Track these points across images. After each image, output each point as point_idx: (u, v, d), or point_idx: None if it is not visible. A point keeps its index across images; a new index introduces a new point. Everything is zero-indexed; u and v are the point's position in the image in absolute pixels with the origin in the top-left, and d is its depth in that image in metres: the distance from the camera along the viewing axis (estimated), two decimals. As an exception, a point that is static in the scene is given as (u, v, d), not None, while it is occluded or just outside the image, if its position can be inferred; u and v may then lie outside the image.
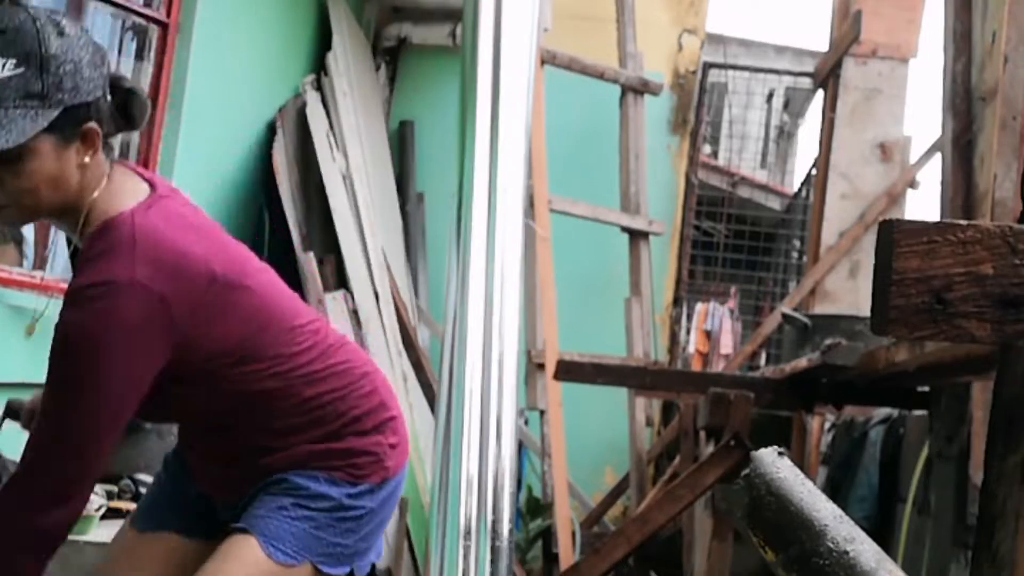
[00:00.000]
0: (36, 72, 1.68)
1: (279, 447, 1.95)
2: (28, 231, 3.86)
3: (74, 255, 1.93)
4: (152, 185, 1.87)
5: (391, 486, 2.02)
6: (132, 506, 2.93)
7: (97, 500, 2.79)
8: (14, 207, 1.75)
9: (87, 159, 1.77)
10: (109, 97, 1.80)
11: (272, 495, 1.94)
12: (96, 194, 1.79)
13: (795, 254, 8.74)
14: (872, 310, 1.17)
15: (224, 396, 1.89)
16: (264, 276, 1.96)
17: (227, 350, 1.85)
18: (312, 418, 1.95)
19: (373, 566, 2.11)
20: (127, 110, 1.83)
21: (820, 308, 6.20)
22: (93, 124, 1.76)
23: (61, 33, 1.72)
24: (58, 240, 3.73)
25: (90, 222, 1.79)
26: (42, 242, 3.93)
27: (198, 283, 1.78)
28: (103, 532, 2.74)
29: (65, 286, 3.48)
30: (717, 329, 7.96)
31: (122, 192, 1.81)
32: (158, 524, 2.12)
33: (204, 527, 2.10)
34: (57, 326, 1.73)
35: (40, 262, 3.87)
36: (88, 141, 1.76)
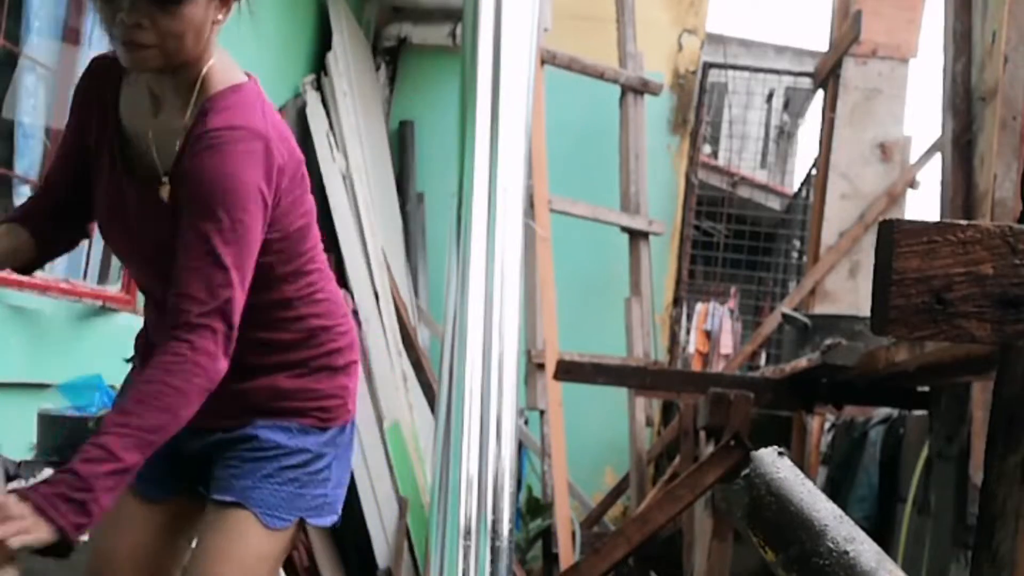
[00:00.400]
0: None
1: (258, 366, 2.00)
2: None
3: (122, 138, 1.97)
4: (248, 75, 1.99)
5: (350, 430, 2.13)
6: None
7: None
8: (159, 49, 1.81)
9: (221, 17, 1.90)
10: None
11: (253, 461, 1.99)
12: (213, 60, 1.90)
13: (795, 254, 8.74)
14: (872, 310, 1.17)
15: (253, 293, 1.91)
16: None
17: (282, 235, 1.94)
18: (296, 338, 2.03)
19: (339, 518, 2.14)
20: None
21: (820, 308, 6.20)
22: None
23: None
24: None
25: (207, 85, 1.89)
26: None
27: (295, 162, 1.93)
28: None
29: (65, 286, 3.49)
30: (717, 329, 7.96)
31: (234, 67, 1.95)
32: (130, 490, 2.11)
33: (171, 483, 2.12)
34: (193, 170, 1.81)
35: (40, 262, 3.86)
36: (226, 2, 1.90)
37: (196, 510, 2.08)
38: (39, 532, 1.65)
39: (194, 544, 2.05)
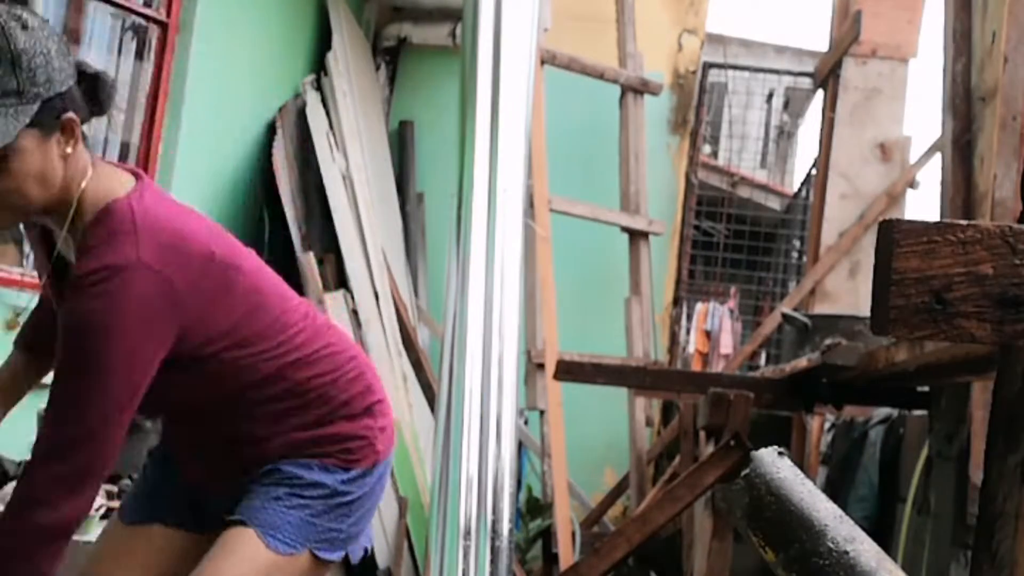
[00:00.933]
0: (8, 69, 1.65)
1: (269, 435, 1.95)
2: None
3: (59, 260, 1.90)
4: (135, 174, 1.87)
5: (381, 469, 2.04)
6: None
7: (97, 500, 2.79)
8: (5, 209, 1.74)
9: (69, 149, 1.75)
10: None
11: (266, 486, 1.94)
12: (84, 184, 1.78)
13: (795, 254, 8.74)
14: (872, 310, 1.17)
15: (217, 381, 1.88)
16: (253, 260, 1.96)
17: (224, 332, 1.84)
18: (303, 402, 1.95)
19: (368, 552, 2.11)
20: (95, 95, 1.81)
21: (820, 308, 6.20)
22: (71, 114, 1.74)
23: (25, 27, 1.69)
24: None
25: (82, 213, 1.78)
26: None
27: (199, 262, 1.78)
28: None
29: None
30: (717, 329, 7.96)
31: (110, 181, 1.81)
32: (146, 516, 2.12)
33: (193, 517, 2.10)
34: (66, 314, 1.73)
35: (40, 262, 3.86)
36: (68, 131, 1.75)
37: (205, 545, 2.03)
38: None
39: None
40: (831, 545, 1.09)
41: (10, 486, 2.78)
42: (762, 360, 8.08)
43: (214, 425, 1.98)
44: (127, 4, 4.20)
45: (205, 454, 2.06)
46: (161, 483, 2.14)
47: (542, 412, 5.59)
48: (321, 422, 1.97)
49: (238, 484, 1.98)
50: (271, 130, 5.45)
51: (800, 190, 8.86)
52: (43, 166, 1.72)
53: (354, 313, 5.29)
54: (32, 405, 2.83)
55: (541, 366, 5.54)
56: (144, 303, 1.70)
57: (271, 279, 1.97)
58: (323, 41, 5.91)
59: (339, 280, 5.35)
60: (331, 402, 1.98)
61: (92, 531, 2.75)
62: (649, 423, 6.37)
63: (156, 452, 2.20)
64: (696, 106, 7.12)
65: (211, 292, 1.81)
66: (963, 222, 1.14)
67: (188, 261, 1.76)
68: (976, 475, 3.29)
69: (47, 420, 1.73)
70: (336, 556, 2.00)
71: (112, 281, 1.68)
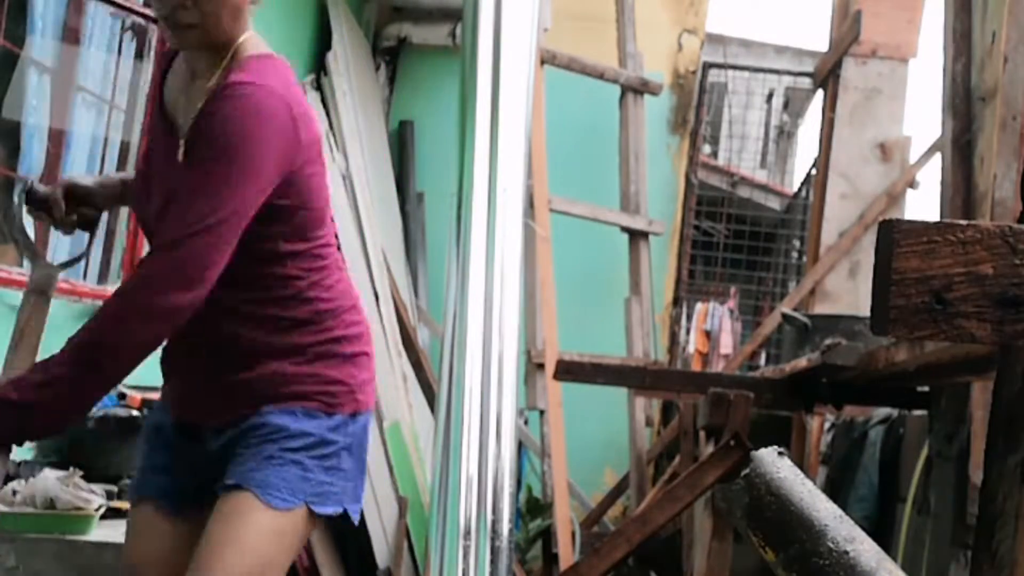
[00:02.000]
0: None
1: (266, 347, 2.03)
2: (29, 232, 3.84)
3: (165, 120, 2.08)
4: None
5: (363, 419, 2.12)
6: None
7: (97, 500, 2.79)
8: (200, 27, 1.95)
9: (252, 4, 2.03)
10: None
11: (255, 447, 2.00)
12: (245, 38, 2.02)
13: (795, 254, 8.74)
14: (872, 310, 1.17)
15: (254, 259, 1.98)
16: None
17: (301, 207, 2.00)
18: (305, 318, 2.05)
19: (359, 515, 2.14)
20: None
21: (820, 308, 6.20)
22: None
23: None
24: (58, 241, 3.73)
25: (238, 57, 1.99)
26: (41, 242, 3.93)
27: (314, 134, 2.01)
28: (103, 532, 2.74)
29: (66, 286, 3.48)
30: (717, 329, 7.96)
31: (261, 43, 2.06)
32: (155, 490, 2.14)
33: (196, 494, 2.12)
34: (207, 116, 1.91)
35: (40, 262, 3.85)
36: None
37: None
38: None
39: None
40: (831, 545, 1.09)
41: (10, 485, 2.78)
42: (762, 360, 8.08)
43: (222, 319, 2.02)
44: (127, 3, 4.20)
45: (201, 367, 2.09)
46: (162, 455, 2.17)
47: (542, 412, 5.59)
48: (310, 352, 2.05)
49: (230, 423, 2.04)
50: (271, 130, 5.44)
51: (800, 190, 8.86)
52: (240, 4, 1.98)
53: (354, 313, 5.28)
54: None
55: (541, 366, 5.54)
56: (280, 121, 1.90)
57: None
58: (323, 41, 5.91)
59: (339, 280, 5.35)
60: (328, 332, 2.07)
61: (91, 531, 2.74)
62: (649, 423, 6.37)
63: (151, 429, 2.22)
64: (696, 106, 7.12)
65: (315, 169, 2.01)
66: (963, 222, 1.14)
67: (311, 133, 1.99)
68: (976, 475, 3.29)
69: (171, 213, 1.88)
70: (331, 510, 2.06)
71: (256, 95, 1.90)
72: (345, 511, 2.08)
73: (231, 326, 2.04)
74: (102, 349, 1.84)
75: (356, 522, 2.13)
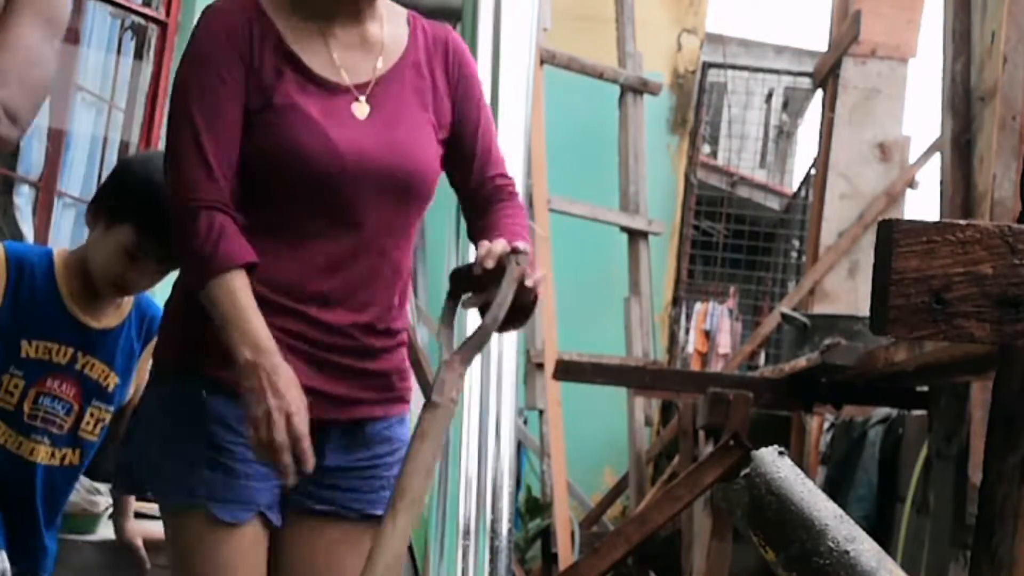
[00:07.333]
0: None
1: (404, 286, 1.91)
2: (28, 231, 3.85)
3: None
4: None
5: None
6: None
7: (103, 501, 2.78)
8: None
9: None
10: None
11: (390, 467, 1.79)
12: None
13: (794, 254, 8.74)
14: (872, 310, 1.17)
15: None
16: None
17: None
18: (401, 300, 1.93)
19: None
20: None
21: (819, 308, 6.20)
22: None
23: None
24: (57, 241, 3.73)
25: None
26: (40, 241, 3.93)
27: None
28: (106, 532, 2.74)
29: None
30: (716, 329, 7.96)
31: None
32: (267, 497, 1.76)
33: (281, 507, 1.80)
34: (455, 54, 1.92)
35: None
36: None
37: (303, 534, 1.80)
38: None
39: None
40: (831, 545, 1.09)
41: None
42: (761, 360, 8.08)
43: (394, 241, 1.91)
44: (126, 3, 4.19)
45: (361, 283, 1.86)
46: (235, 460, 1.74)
47: (541, 412, 5.59)
48: (401, 333, 1.92)
49: (365, 419, 1.82)
50: (270, 130, 5.44)
51: (799, 190, 8.86)
52: None
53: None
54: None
55: (540, 366, 5.54)
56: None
57: None
58: (322, 41, 5.91)
59: (338, 280, 5.35)
60: (405, 314, 1.95)
61: (97, 530, 2.74)
62: (648, 423, 6.37)
63: (221, 431, 1.74)
64: (695, 106, 7.12)
65: None
66: (962, 222, 1.14)
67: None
68: (975, 475, 3.30)
69: (495, 156, 2.00)
70: None
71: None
72: None
73: (399, 255, 1.92)
74: None
75: None
